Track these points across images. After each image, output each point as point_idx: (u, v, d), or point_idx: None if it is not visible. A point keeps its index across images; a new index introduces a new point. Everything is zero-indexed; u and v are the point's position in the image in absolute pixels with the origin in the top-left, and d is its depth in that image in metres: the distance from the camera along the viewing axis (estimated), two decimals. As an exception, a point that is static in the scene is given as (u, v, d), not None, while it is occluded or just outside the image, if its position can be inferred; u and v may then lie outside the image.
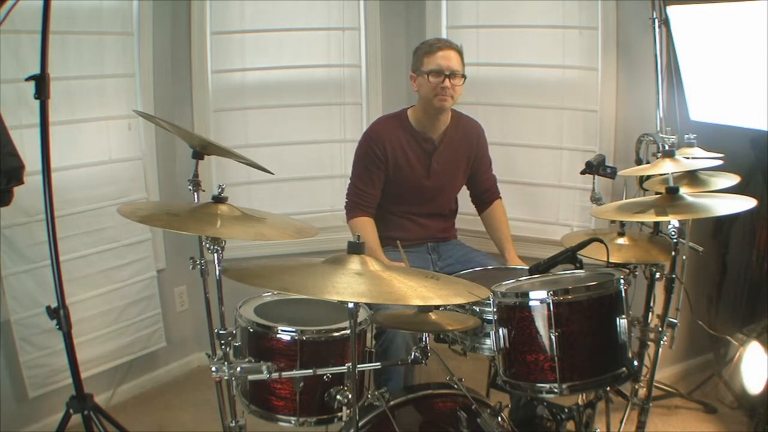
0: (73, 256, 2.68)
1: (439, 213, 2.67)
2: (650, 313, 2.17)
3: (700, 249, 2.30)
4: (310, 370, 1.66)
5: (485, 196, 2.75)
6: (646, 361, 2.19)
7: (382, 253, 2.44)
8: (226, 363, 1.60)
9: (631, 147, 2.72)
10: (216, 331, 1.70)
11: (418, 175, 2.56)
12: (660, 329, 2.08)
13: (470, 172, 2.70)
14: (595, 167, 2.33)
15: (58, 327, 2.06)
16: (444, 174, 2.59)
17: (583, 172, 2.37)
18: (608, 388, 2.03)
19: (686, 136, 2.33)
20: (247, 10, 3.16)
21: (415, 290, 1.38)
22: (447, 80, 2.42)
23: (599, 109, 3.02)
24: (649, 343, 2.14)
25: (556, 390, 1.66)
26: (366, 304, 1.81)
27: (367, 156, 2.55)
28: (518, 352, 1.71)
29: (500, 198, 2.78)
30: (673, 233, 1.96)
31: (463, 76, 2.46)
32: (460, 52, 2.49)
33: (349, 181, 2.62)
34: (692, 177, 2.18)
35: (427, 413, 1.84)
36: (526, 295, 1.71)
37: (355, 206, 2.57)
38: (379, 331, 2.17)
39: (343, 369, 1.69)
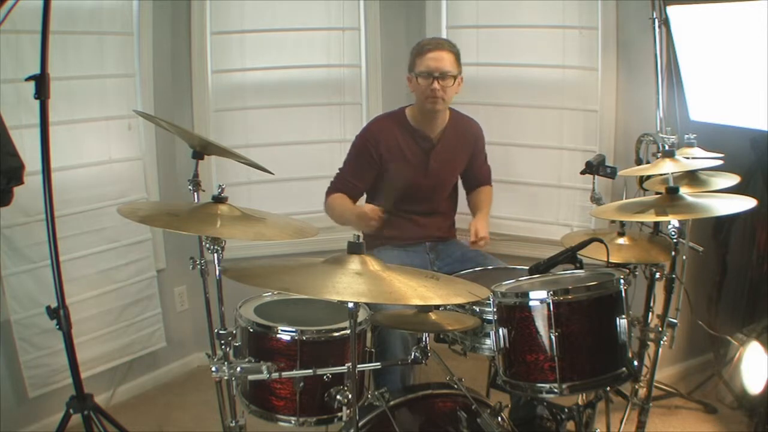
0: (73, 256, 2.68)
1: (437, 211, 2.67)
2: (650, 313, 2.17)
3: (700, 249, 2.30)
4: (310, 370, 1.66)
5: (475, 182, 2.79)
6: (646, 361, 2.20)
7: (354, 205, 2.48)
8: (226, 363, 1.60)
9: (631, 147, 2.72)
10: (216, 331, 1.70)
11: (416, 173, 2.56)
12: (660, 329, 2.08)
13: (467, 166, 2.73)
14: (595, 167, 2.33)
15: (58, 327, 2.06)
16: (441, 172, 2.60)
17: (583, 172, 2.37)
18: (608, 388, 2.03)
19: (686, 136, 2.33)
20: (247, 10, 3.16)
21: (415, 290, 1.38)
22: (436, 82, 2.41)
23: (599, 109, 3.02)
24: (649, 343, 2.13)
25: (556, 390, 1.66)
26: (366, 303, 1.81)
27: (361, 154, 2.57)
28: (518, 352, 1.71)
29: (491, 185, 2.82)
30: (673, 233, 1.96)
31: (455, 77, 2.45)
32: (453, 52, 2.47)
33: (338, 170, 2.64)
34: (692, 177, 2.18)
35: (427, 413, 1.84)
36: (526, 295, 1.71)
37: (334, 188, 2.59)
38: (374, 331, 2.16)
39: (343, 369, 1.68)
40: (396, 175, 2.47)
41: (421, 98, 2.48)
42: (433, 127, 2.57)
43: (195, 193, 1.98)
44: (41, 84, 1.94)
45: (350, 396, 1.59)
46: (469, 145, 2.67)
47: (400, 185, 2.40)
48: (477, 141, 2.71)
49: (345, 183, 2.59)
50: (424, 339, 1.73)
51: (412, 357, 1.73)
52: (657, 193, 2.02)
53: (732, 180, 2.11)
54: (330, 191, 2.61)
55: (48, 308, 2.06)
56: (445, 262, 2.59)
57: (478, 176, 2.79)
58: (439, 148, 2.58)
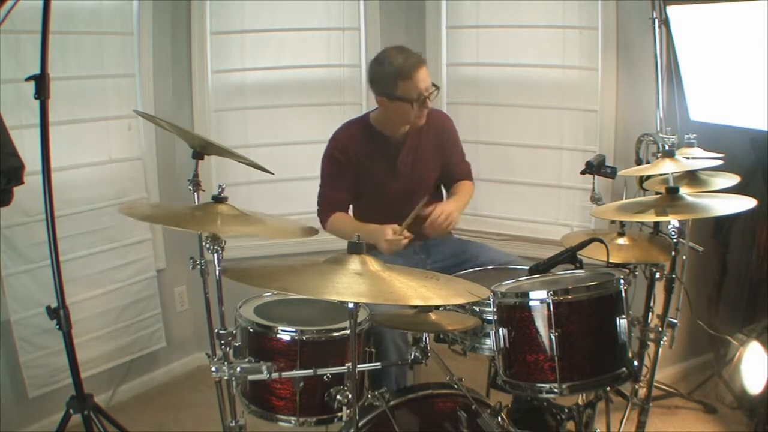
0: (73, 256, 2.68)
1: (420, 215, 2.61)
2: (650, 313, 2.17)
3: (700, 249, 2.30)
4: (310, 370, 1.66)
5: (454, 179, 2.67)
6: (646, 361, 2.20)
7: (371, 227, 2.35)
8: (226, 363, 1.61)
9: (631, 147, 2.72)
10: (216, 331, 1.70)
11: (385, 176, 2.49)
12: (660, 329, 2.08)
13: (442, 164, 2.61)
14: (595, 167, 2.33)
15: (58, 327, 2.06)
16: (412, 174, 2.52)
17: (583, 172, 2.37)
18: (608, 388, 2.03)
19: (686, 136, 2.33)
20: (247, 10, 3.17)
21: (415, 290, 1.39)
22: (427, 100, 2.35)
23: (599, 109, 3.02)
24: (649, 343, 2.13)
25: (556, 390, 1.66)
26: (366, 304, 1.81)
27: (335, 164, 2.49)
28: (518, 352, 1.71)
29: (471, 181, 2.70)
30: (673, 233, 1.96)
31: (436, 87, 2.39)
32: (426, 63, 2.38)
33: (318, 189, 2.56)
34: (692, 177, 2.18)
35: (427, 413, 1.84)
36: (526, 295, 1.71)
37: (326, 210, 2.51)
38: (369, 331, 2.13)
39: (343, 369, 1.69)
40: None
41: (411, 119, 2.39)
42: (399, 130, 2.50)
43: (195, 193, 1.98)
44: (41, 84, 1.94)
45: (350, 396, 1.59)
46: (438, 136, 2.56)
47: (419, 210, 2.27)
48: (445, 131, 2.59)
49: (334, 200, 2.50)
50: (424, 339, 1.73)
51: (412, 357, 1.73)
52: (657, 193, 2.02)
53: (732, 180, 2.11)
54: (325, 212, 2.51)
55: (48, 308, 2.06)
56: (436, 259, 2.53)
57: (457, 173, 2.67)
58: (405, 150, 2.51)
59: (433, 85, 2.37)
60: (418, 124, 2.44)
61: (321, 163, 2.55)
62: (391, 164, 2.51)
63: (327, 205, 2.52)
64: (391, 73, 2.32)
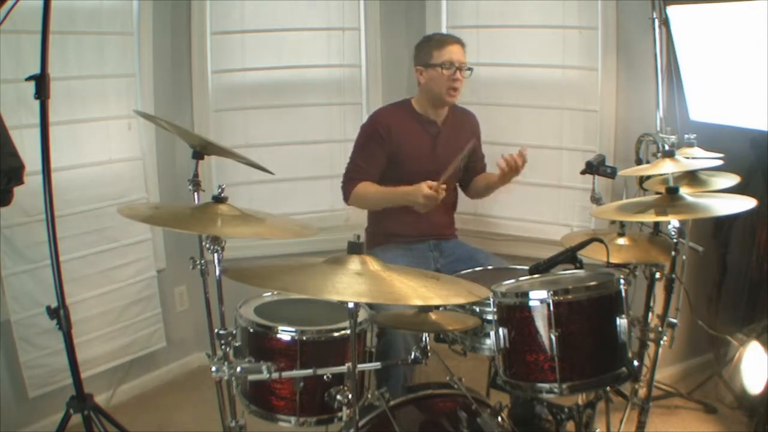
0: (73, 256, 2.68)
1: (441, 204, 2.64)
2: (650, 313, 2.17)
3: (700, 249, 2.30)
4: (310, 370, 1.66)
5: (477, 172, 2.82)
6: (646, 361, 2.20)
7: (404, 187, 2.45)
8: (226, 363, 1.61)
9: (631, 147, 2.73)
10: (216, 331, 1.70)
11: (423, 158, 2.58)
12: (660, 329, 2.08)
13: (467, 163, 2.71)
14: (595, 167, 2.33)
15: (58, 327, 2.06)
16: (447, 157, 2.57)
17: (583, 172, 2.37)
18: (608, 388, 2.03)
19: (686, 136, 2.33)
20: (247, 10, 3.16)
21: (416, 290, 1.39)
22: (459, 73, 2.52)
23: (599, 109, 3.02)
24: (649, 343, 2.13)
25: (556, 390, 1.66)
26: (367, 304, 1.81)
27: (372, 140, 2.59)
28: (518, 352, 1.71)
29: None
30: (673, 233, 1.96)
31: (470, 69, 2.56)
32: (464, 46, 2.59)
33: (348, 161, 2.65)
34: (692, 177, 2.18)
35: (427, 413, 1.84)
36: (526, 295, 1.71)
37: (351, 180, 2.58)
38: (380, 333, 2.16)
39: (343, 369, 1.68)
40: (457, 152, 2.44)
41: (442, 89, 2.54)
42: (439, 114, 2.65)
43: (195, 193, 1.98)
44: (41, 84, 1.94)
45: (350, 396, 1.59)
46: (471, 130, 2.75)
47: (460, 162, 2.41)
48: (476, 129, 2.80)
49: (363, 171, 2.58)
50: (424, 339, 1.73)
51: (412, 357, 1.73)
52: (657, 193, 2.02)
53: (732, 180, 2.11)
54: (350, 183, 2.59)
55: (48, 308, 2.06)
56: (448, 260, 2.59)
57: (480, 166, 2.83)
58: (444, 132, 2.64)
59: (468, 68, 2.55)
60: (449, 99, 2.57)
61: (357, 138, 2.66)
62: (430, 145, 2.63)
63: (355, 174, 2.59)
64: (428, 43, 2.59)
